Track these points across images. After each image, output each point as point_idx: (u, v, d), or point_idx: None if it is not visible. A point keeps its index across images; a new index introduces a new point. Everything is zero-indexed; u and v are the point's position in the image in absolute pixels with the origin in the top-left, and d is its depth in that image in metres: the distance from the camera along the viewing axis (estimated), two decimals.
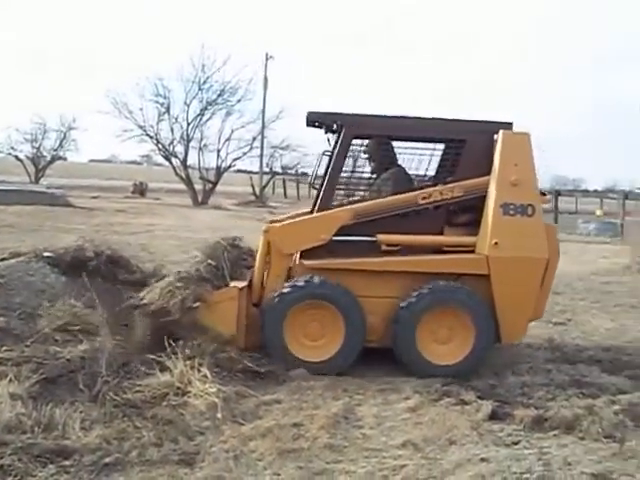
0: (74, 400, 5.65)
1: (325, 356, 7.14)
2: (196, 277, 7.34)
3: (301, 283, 7.20)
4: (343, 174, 7.80)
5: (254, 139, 44.40)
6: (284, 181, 53.22)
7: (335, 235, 7.38)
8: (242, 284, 7.48)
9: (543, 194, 7.71)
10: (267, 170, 49.17)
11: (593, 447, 5.48)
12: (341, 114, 7.72)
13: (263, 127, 46.03)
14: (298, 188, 50.82)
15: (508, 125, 7.56)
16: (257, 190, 45.31)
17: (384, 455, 5.20)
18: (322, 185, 7.75)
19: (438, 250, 7.53)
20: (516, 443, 5.52)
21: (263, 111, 47.31)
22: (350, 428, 5.71)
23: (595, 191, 73.61)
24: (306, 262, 7.47)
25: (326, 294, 7.13)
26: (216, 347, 6.79)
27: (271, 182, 49.27)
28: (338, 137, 7.74)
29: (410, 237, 7.44)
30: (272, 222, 8.04)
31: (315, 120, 7.93)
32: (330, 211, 7.53)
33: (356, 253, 7.39)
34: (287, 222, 7.93)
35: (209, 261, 7.59)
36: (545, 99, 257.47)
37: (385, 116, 7.79)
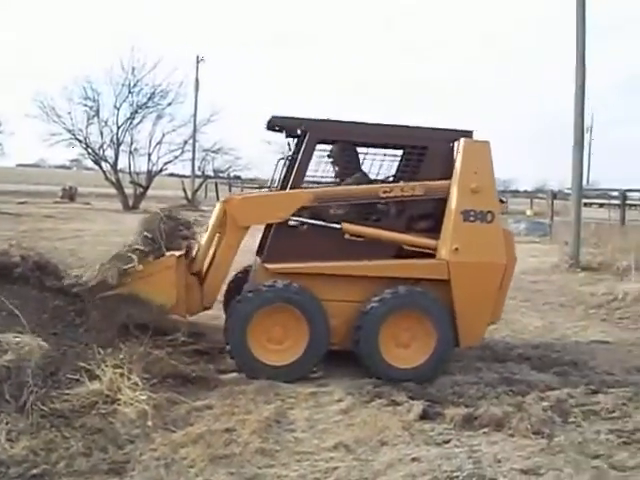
0: None
1: (289, 360, 7.11)
2: (132, 249, 7.35)
3: (266, 287, 7.18)
4: (306, 178, 7.83)
5: (185, 142, 44.24)
6: (216, 184, 52.74)
7: (297, 217, 7.46)
8: (179, 253, 7.54)
9: (502, 201, 7.86)
10: (199, 173, 48.96)
11: (522, 443, 5.59)
12: (305, 119, 7.71)
13: (195, 130, 46.00)
14: (230, 191, 50.56)
15: (469, 133, 7.67)
16: (189, 194, 45.00)
17: (316, 458, 5.21)
18: (285, 189, 7.75)
19: (399, 255, 7.58)
20: (447, 442, 5.60)
21: (195, 114, 47.31)
22: (282, 432, 5.71)
23: (525, 191, 75.21)
24: (270, 266, 7.46)
25: (291, 298, 7.12)
26: (145, 351, 6.70)
27: (203, 186, 48.96)
28: (301, 142, 7.77)
29: (374, 230, 7.50)
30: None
31: (277, 124, 7.95)
32: (291, 190, 7.55)
33: (319, 257, 7.41)
34: (247, 195, 8.00)
35: (145, 233, 7.54)
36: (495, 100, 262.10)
37: (349, 122, 7.81)
